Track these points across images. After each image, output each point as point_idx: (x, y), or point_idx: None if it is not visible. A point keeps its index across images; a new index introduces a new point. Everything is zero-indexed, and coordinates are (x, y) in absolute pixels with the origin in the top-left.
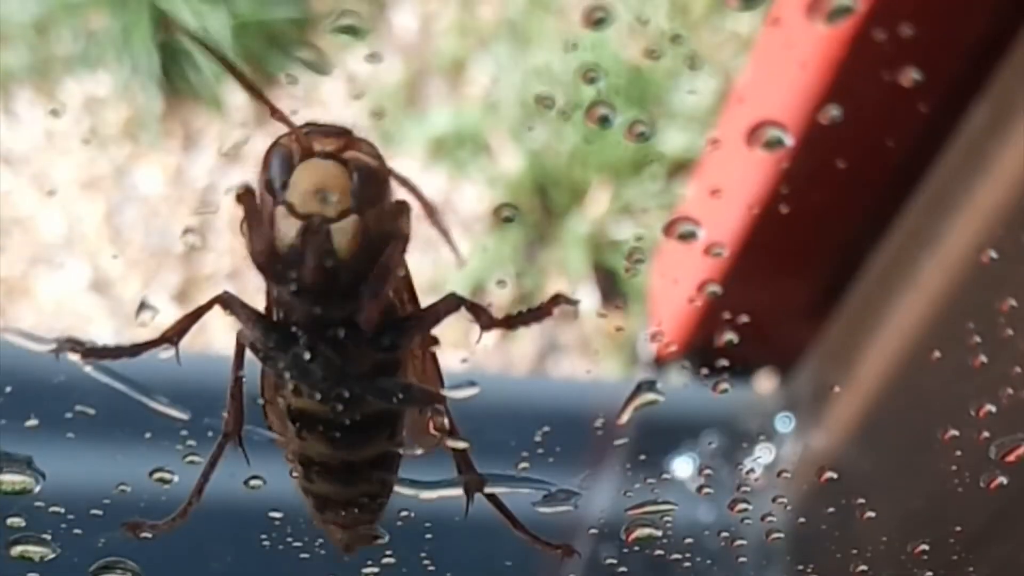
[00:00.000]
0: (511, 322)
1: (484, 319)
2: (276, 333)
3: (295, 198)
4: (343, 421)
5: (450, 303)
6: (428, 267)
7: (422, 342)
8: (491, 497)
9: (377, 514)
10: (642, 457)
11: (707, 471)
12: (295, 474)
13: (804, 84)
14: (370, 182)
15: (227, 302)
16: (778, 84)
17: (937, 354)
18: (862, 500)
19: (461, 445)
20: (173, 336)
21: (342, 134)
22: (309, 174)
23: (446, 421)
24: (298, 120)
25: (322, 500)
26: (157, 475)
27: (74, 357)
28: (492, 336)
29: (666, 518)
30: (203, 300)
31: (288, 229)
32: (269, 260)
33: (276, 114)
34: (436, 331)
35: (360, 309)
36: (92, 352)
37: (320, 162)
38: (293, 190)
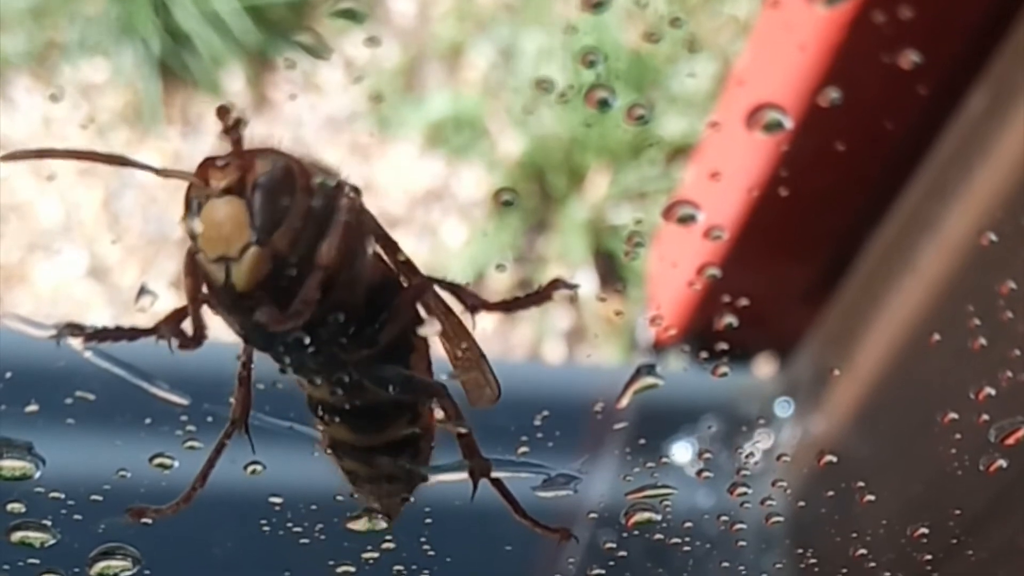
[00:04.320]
0: (509, 306)
1: (472, 300)
2: (259, 339)
3: (203, 244)
4: (357, 408)
5: (422, 286)
6: (425, 252)
7: (411, 326)
8: (496, 482)
9: (411, 487)
10: (641, 441)
11: (706, 455)
12: (328, 451)
13: (803, 67)
14: (269, 206)
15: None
16: (778, 67)
17: (936, 337)
18: (862, 484)
19: (463, 430)
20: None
21: (236, 162)
22: (206, 218)
23: (446, 410)
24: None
25: (353, 475)
26: (157, 461)
27: (75, 342)
28: (491, 321)
29: (665, 502)
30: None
31: (209, 273)
32: (212, 302)
33: (163, 172)
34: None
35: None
36: (93, 335)
37: (215, 203)
38: (200, 237)
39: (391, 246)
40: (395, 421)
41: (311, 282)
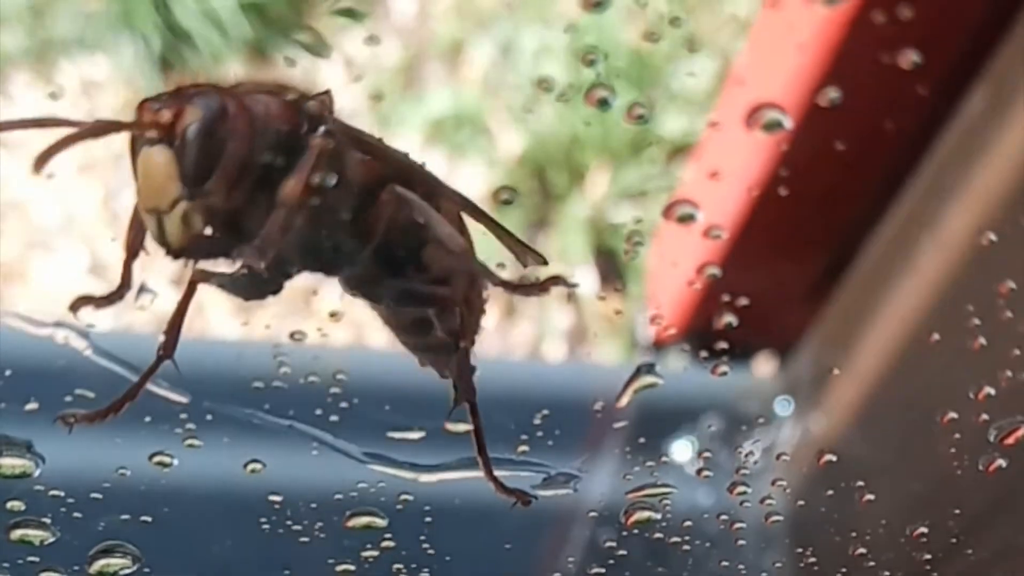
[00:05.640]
0: (505, 284)
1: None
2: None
3: (137, 194)
4: (377, 295)
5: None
6: None
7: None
8: (476, 427)
9: (458, 351)
10: (641, 440)
11: (706, 454)
12: None
13: (803, 66)
14: (199, 157)
15: (204, 277)
16: (777, 66)
17: (936, 337)
18: (861, 483)
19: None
20: (168, 351)
21: (168, 106)
22: (139, 168)
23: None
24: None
25: (404, 343)
26: (156, 459)
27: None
28: (491, 319)
29: (665, 501)
30: (200, 286)
31: (145, 223)
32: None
33: (101, 126)
34: None
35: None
36: (105, 300)
37: (146, 152)
38: (136, 186)
39: (376, 150)
40: (417, 304)
41: (275, 220)
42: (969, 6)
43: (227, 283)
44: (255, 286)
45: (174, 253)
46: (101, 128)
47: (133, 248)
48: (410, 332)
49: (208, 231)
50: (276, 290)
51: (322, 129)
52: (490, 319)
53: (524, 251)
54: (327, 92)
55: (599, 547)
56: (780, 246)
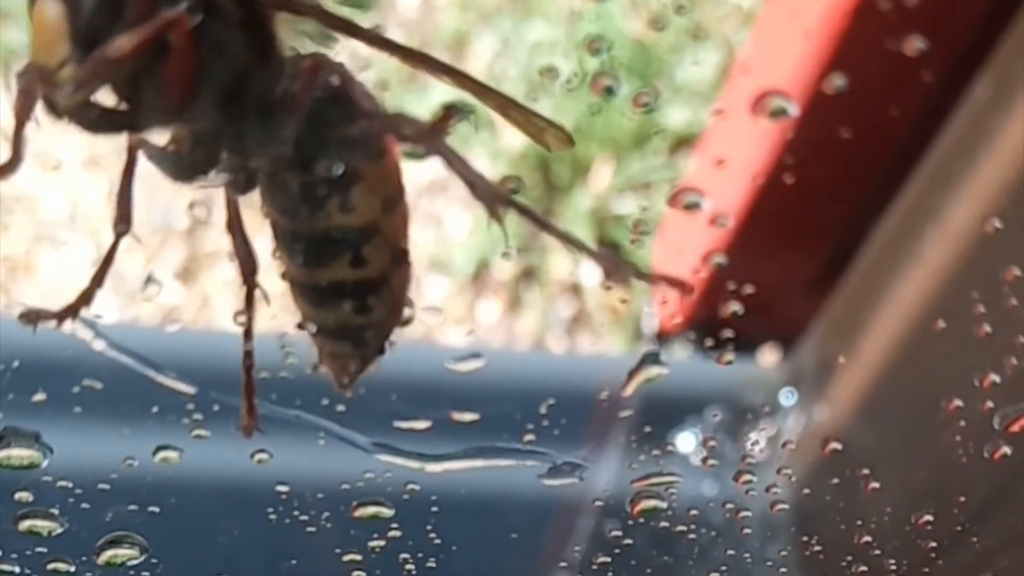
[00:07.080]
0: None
1: (409, 130)
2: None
3: (29, 46)
4: (292, 229)
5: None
6: (430, 242)
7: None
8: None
9: (361, 354)
10: (646, 430)
11: (711, 443)
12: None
13: (808, 54)
14: (96, 18)
15: (140, 143)
16: (782, 54)
17: (941, 325)
18: (866, 471)
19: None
20: (124, 224)
21: None
22: (32, 19)
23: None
24: None
25: (306, 320)
26: (163, 450)
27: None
28: (495, 312)
29: (671, 490)
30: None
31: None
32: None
33: None
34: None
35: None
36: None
37: (41, 4)
38: (29, 37)
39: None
40: (334, 257)
41: (89, 66)
42: None
43: (156, 156)
44: (179, 166)
45: (58, 114)
46: None
47: (22, 115)
48: (316, 302)
49: (93, 98)
50: (203, 173)
51: (186, 3)
52: (494, 311)
53: (542, 129)
54: None
55: (605, 536)
56: (785, 234)
